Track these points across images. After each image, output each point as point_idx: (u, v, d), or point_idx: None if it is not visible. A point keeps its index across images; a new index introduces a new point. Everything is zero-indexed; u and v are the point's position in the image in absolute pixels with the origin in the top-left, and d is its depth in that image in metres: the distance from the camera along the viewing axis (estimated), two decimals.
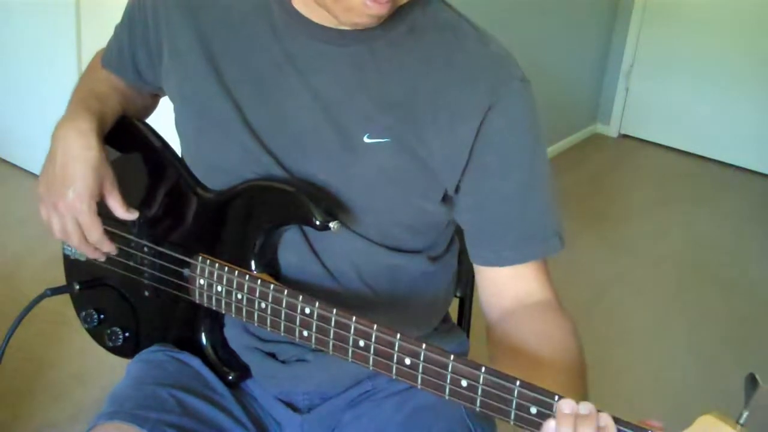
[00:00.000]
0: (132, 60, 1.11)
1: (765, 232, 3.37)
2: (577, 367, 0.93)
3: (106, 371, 1.99)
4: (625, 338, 2.54)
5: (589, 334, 2.62)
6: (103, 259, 1.09)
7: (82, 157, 1.00)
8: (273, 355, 1.06)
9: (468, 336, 1.32)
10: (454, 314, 1.28)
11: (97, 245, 1.05)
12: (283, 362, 1.05)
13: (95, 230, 1.03)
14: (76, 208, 1.01)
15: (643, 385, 2.32)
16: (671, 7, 3.98)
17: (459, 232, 1.15)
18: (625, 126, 4.29)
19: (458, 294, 1.29)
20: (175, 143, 1.11)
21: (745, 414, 0.68)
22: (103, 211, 1.04)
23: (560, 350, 0.93)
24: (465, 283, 1.29)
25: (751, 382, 0.69)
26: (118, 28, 1.13)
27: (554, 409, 0.74)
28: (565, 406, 0.75)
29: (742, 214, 3.56)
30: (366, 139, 0.95)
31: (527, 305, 0.99)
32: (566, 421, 0.74)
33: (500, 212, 0.98)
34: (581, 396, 0.86)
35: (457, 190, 0.99)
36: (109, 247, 1.07)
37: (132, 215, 1.05)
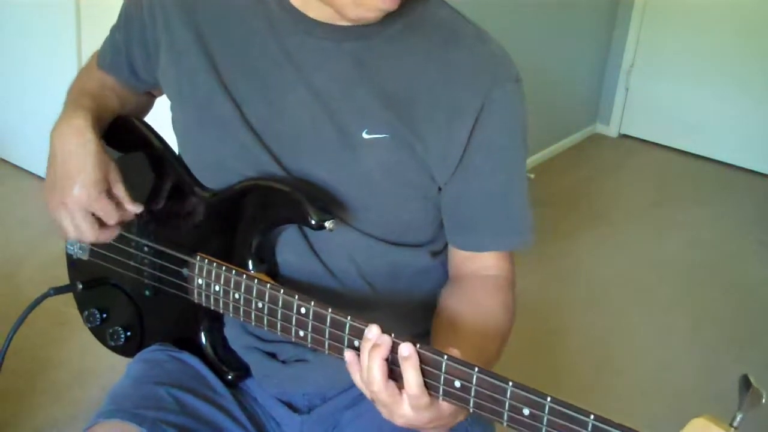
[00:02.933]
0: (127, 58, 1.11)
1: (765, 233, 3.37)
2: (495, 335, 0.97)
3: (106, 371, 1.99)
4: (625, 338, 2.54)
5: (589, 334, 2.63)
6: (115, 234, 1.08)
7: (81, 151, 1.00)
8: (273, 355, 1.06)
9: None
10: None
11: (123, 219, 1.04)
12: (282, 362, 1.05)
13: (112, 214, 1.02)
14: (85, 200, 1.00)
15: (643, 385, 2.32)
16: (671, 7, 3.98)
17: None
18: (625, 126, 4.29)
19: None
20: (172, 142, 1.11)
21: (739, 416, 0.67)
22: None
23: (484, 315, 0.98)
24: None
25: (745, 383, 0.68)
26: (114, 28, 1.13)
27: (546, 410, 0.74)
28: (369, 332, 0.83)
29: (743, 214, 3.56)
30: (365, 135, 0.95)
31: (477, 276, 1.04)
32: (366, 344, 0.83)
33: (482, 207, 1.01)
34: (487, 359, 0.92)
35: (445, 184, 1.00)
36: (134, 207, 1.04)
37: (137, 208, 1.05)
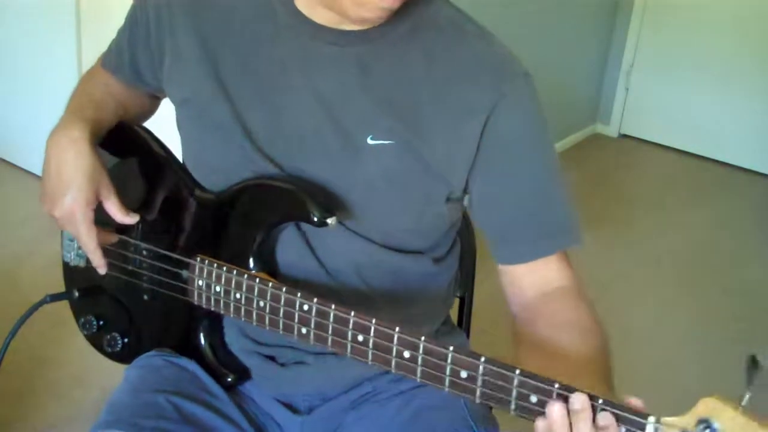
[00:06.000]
0: (131, 61, 1.11)
1: (765, 233, 3.37)
2: (597, 349, 0.91)
3: (106, 372, 1.97)
4: (625, 338, 2.54)
5: None
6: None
7: (75, 165, 1.00)
8: (272, 359, 1.05)
9: (468, 336, 1.31)
10: (454, 314, 1.28)
11: (91, 256, 1.05)
12: (282, 365, 1.05)
13: (91, 242, 1.03)
14: (73, 218, 1.01)
15: (644, 385, 2.31)
16: (671, 7, 3.98)
17: (461, 233, 1.15)
18: (625, 126, 4.29)
19: (458, 294, 1.28)
20: (175, 144, 1.11)
21: (747, 396, 0.67)
22: (103, 215, 1.04)
23: (579, 335, 0.93)
24: (465, 283, 1.29)
25: (752, 363, 0.68)
26: (120, 30, 1.13)
27: (554, 396, 0.74)
28: (555, 409, 0.73)
29: (742, 214, 3.56)
30: (369, 141, 0.94)
31: (545, 293, 0.99)
32: (560, 423, 0.73)
33: (515, 210, 0.98)
34: (604, 377, 0.86)
35: (466, 189, 0.99)
36: (100, 262, 1.06)
37: (132, 219, 1.05)
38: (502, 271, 1.02)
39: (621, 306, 2.73)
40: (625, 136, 4.30)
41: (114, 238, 1.10)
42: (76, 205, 1.01)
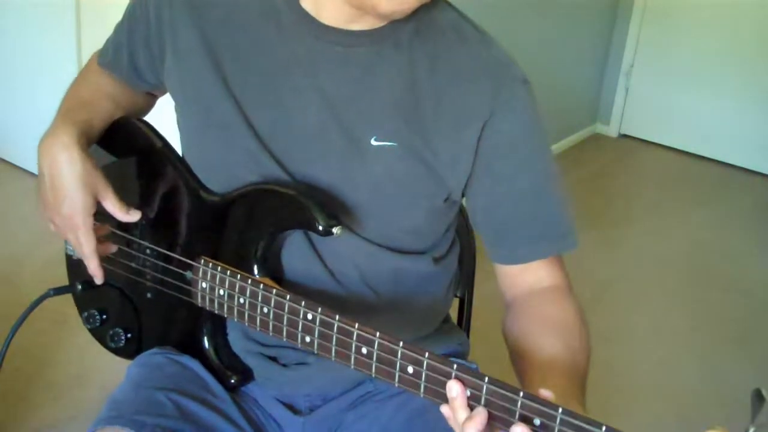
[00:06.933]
0: (130, 57, 1.10)
1: (765, 233, 3.37)
2: (575, 350, 0.94)
3: (106, 371, 1.99)
4: (625, 338, 2.54)
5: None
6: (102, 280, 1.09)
7: (68, 171, 1.00)
8: (274, 359, 1.05)
9: (468, 336, 1.32)
10: (454, 314, 1.28)
11: (86, 260, 1.05)
12: (284, 366, 1.05)
13: (87, 247, 1.03)
14: (72, 224, 1.01)
15: (643, 385, 2.32)
16: (671, 7, 3.98)
17: (460, 234, 1.15)
18: (625, 126, 4.29)
19: (458, 294, 1.29)
20: (175, 141, 1.10)
21: (752, 430, 0.67)
22: (105, 213, 1.04)
23: (559, 334, 0.95)
24: (465, 283, 1.29)
25: (757, 397, 0.68)
26: (118, 26, 1.12)
27: (557, 421, 0.74)
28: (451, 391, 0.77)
29: (742, 214, 3.56)
30: (373, 142, 0.94)
31: (536, 291, 1.01)
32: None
33: (513, 214, 0.99)
34: (577, 379, 0.89)
35: (464, 193, 1.00)
36: (97, 271, 1.06)
37: (133, 217, 1.05)
38: (498, 267, 1.04)
39: (621, 306, 2.74)
40: (625, 136, 4.31)
41: (113, 248, 1.10)
42: (73, 213, 1.01)
